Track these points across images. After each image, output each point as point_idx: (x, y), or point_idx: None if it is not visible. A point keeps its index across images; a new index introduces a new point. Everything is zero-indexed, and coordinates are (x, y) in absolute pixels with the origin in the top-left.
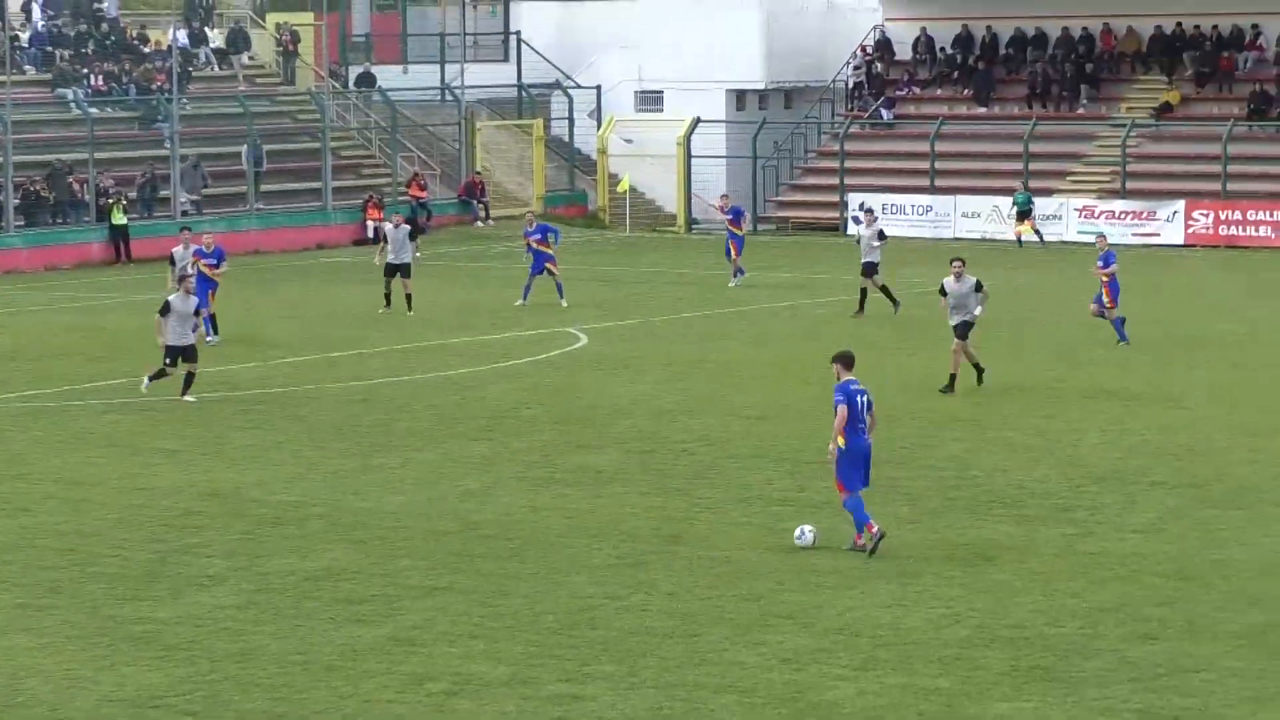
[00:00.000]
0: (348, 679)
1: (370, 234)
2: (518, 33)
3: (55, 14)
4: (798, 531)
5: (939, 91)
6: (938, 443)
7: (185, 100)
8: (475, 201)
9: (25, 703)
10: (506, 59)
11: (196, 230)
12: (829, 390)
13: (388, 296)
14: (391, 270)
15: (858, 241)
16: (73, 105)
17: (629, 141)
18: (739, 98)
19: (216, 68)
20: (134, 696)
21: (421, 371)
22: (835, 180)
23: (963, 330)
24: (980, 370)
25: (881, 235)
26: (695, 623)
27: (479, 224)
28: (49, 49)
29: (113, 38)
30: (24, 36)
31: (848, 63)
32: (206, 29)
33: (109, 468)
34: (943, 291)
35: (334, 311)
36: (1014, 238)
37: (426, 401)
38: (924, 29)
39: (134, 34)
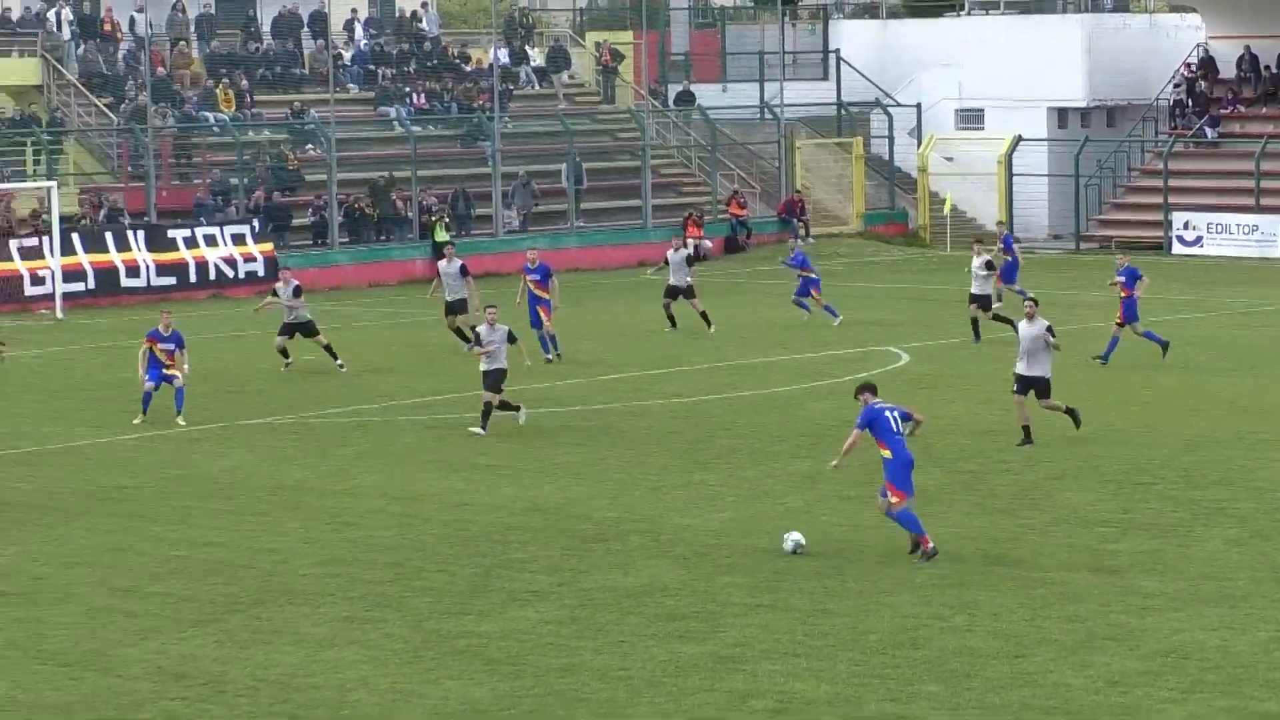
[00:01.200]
0: (670, 695)
1: (691, 251)
2: (837, 51)
3: (377, 33)
4: (786, 541)
5: (1264, 110)
6: (1265, 464)
7: (506, 118)
8: (795, 220)
9: (351, 715)
10: (826, 77)
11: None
12: (1153, 411)
13: (671, 318)
14: (672, 293)
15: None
16: (395, 123)
17: (949, 160)
18: (1060, 116)
19: (537, 86)
20: (458, 710)
21: (742, 389)
22: (1158, 199)
23: (1041, 388)
24: (1075, 415)
25: (989, 265)
26: (1019, 644)
27: (799, 242)
28: (371, 67)
29: (434, 57)
30: (347, 55)
31: (1170, 81)
32: (527, 48)
33: (433, 483)
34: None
35: (654, 328)
36: None
37: (747, 419)
38: (1247, 47)
39: (455, 53)
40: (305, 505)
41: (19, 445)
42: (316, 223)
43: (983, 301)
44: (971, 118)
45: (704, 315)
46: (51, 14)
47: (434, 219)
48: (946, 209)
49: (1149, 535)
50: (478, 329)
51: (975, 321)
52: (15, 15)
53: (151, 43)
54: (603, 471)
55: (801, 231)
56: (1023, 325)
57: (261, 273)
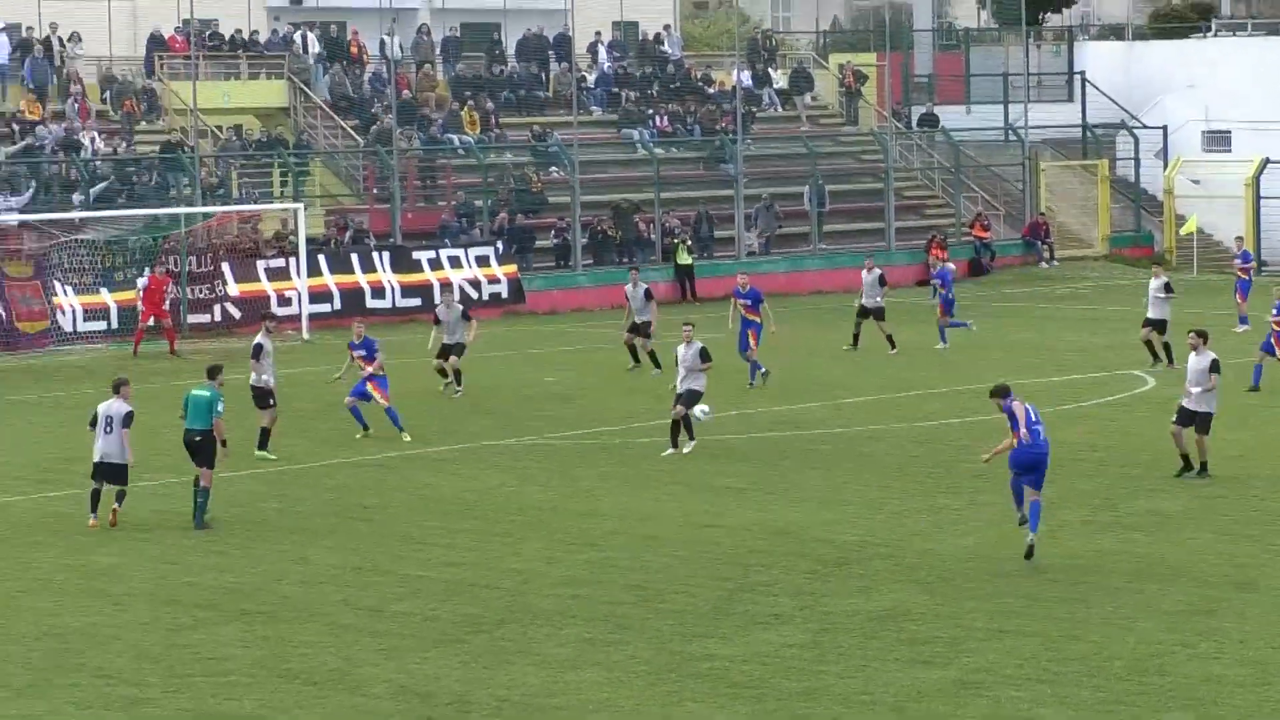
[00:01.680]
0: None
1: (932, 274)
2: (1082, 72)
3: (620, 56)
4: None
5: None
6: None
7: (749, 140)
8: (1039, 242)
9: None
10: (1070, 99)
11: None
12: None
13: (855, 338)
14: (863, 313)
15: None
16: (638, 146)
17: (1196, 182)
18: None
19: (779, 108)
20: None
21: (983, 413)
22: None
23: (1202, 423)
24: (1201, 468)
25: (1168, 288)
26: (1268, 671)
27: (1043, 265)
28: (615, 90)
29: (677, 79)
30: (590, 78)
31: None
32: (770, 70)
33: (675, 505)
34: None
35: (899, 352)
36: None
37: (989, 443)
38: None
39: (698, 75)
40: (548, 526)
41: (268, 465)
42: (559, 245)
43: (1158, 325)
44: (1218, 140)
45: (889, 338)
46: (298, 37)
47: (676, 241)
48: (1186, 230)
49: None
50: (676, 348)
51: (1150, 344)
52: (262, 38)
53: (398, 66)
54: (845, 495)
55: (1046, 254)
56: (1191, 358)
57: (505, 294)
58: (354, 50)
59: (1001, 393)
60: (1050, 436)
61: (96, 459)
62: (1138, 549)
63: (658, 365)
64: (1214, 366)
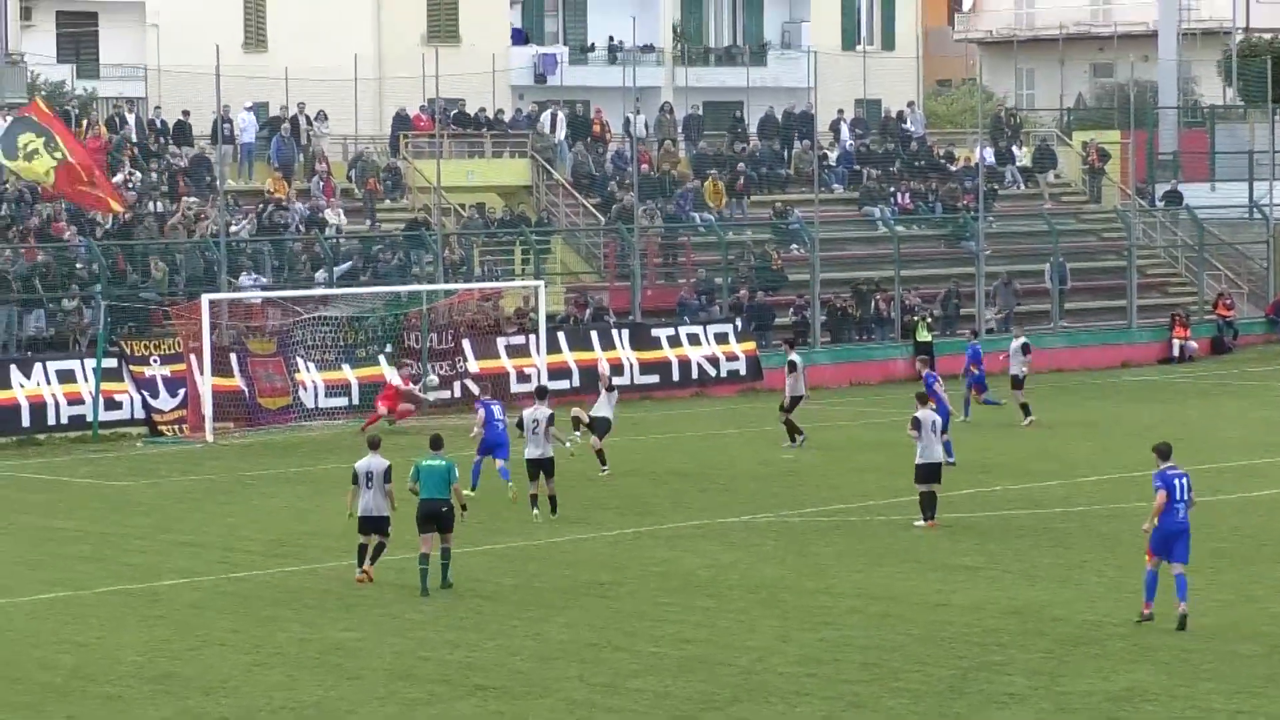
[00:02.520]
0: None
1: (1176, 353)
2: None
3: (863, 133)
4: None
5: None
6: None
7: (991, 218)
8: None
9: None
10: None
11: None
12: None
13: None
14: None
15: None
16: (879, 223)
17: None
18: None
19: (1022, 185)
20: None
21: (1225, 492)
22: None
23: None
24: None
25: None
26: None
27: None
28: (856, 168)
29: (920, 157)
30: (832, 155)
31: None
32: (1013, 147)
33: (910, 583)
34: None
35: (1138, 430)
36: None
37: (1229, 521)
38: None
39: (940, 152)
40: (782, 603)
41: (500, 540)
42: (798, 322)
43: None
44: None
45: (1024, 407)
46: (545, 116)
47: (917, 319)
48: None
49: None
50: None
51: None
52: (507, 116)
53: (640, 143)
54: (1083, 574)
55: None
56: None
57: (743, 371)
58: (596, 128)
59: (1161, 453)
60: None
61: (361, 514)
62: None
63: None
64: None
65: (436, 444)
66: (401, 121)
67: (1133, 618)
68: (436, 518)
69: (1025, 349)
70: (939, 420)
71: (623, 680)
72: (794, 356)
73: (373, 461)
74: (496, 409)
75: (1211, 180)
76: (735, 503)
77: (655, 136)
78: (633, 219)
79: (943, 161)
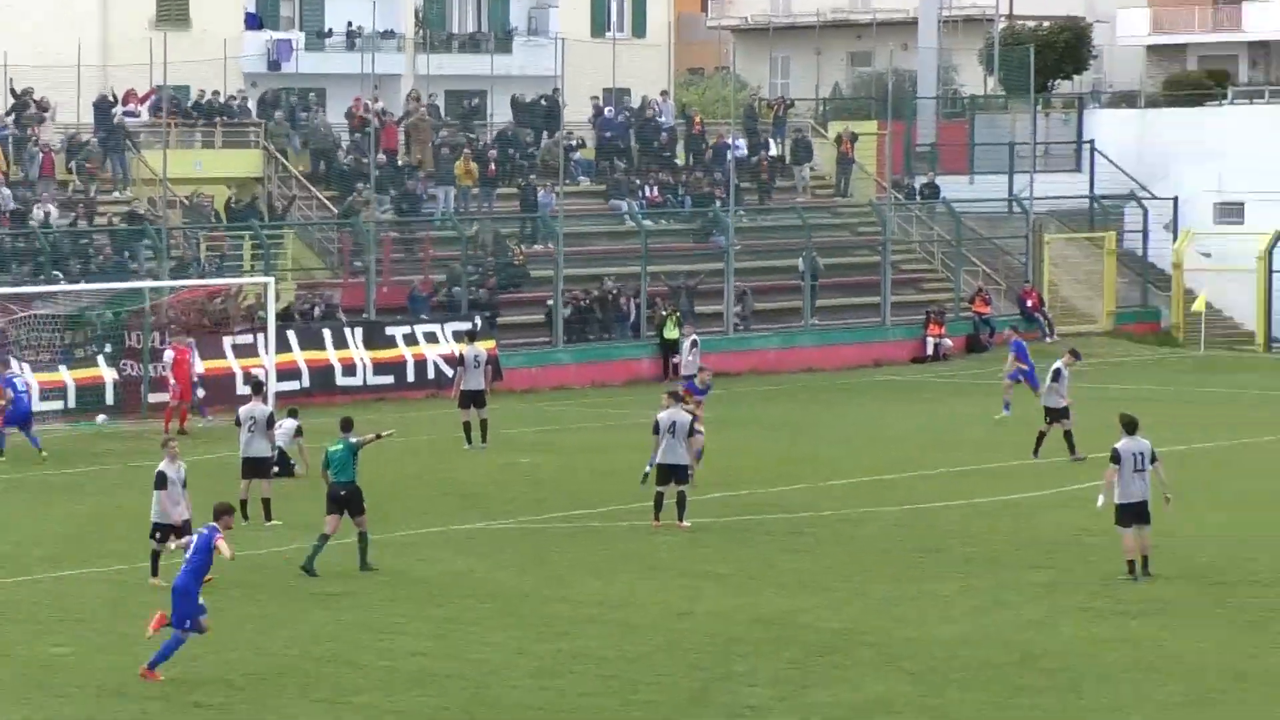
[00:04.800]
0: None
1: (930, 350)
2: (1091, 142)
3: (611, 124)
4: None
5: None
6: None
7: (741, 211)
8: (1041, 317)
9: None
10: (1078, 169)
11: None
12: None
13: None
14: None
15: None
16: (626, 218)
17: (1206, 255)
18: None
19: (777, 179)
20: None
21: (980, 495)
22: None
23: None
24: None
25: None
26: None
27: (1046, 340)
28: (603, 161)
29: (669, 149)
30: (578, 147)
31: None
32: (771, 139)
33: (653, 591)
34: None
35: (888, 432)
36: None
37: (982, 526)
38: None
39: (692, 144)
40: (519, 613)
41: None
42: (540, 320)
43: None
44: (1231, 212)
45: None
46: (276, 104)
47: (665, 314)
48: (1197, 307)
49: None
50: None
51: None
52: (237, 104)
53: (378, 134)
54: (830, 580)
55: (1046, 329)
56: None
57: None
58: (333, 118)
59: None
60: (1042, 520)
61: (155, 519)
62: (1135, 636)
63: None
64: (1151, 453)
65: (346, 426)
66: (122, 109)
67: (878, 625)
68: (340, 501)
69: (694, 345)
70: (681, 421)
71: (347, 696)
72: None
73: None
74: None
75: (970, 173)
76: (472, 509)
77: (396, 126)
78: (368, 211)
79: (694, 154)
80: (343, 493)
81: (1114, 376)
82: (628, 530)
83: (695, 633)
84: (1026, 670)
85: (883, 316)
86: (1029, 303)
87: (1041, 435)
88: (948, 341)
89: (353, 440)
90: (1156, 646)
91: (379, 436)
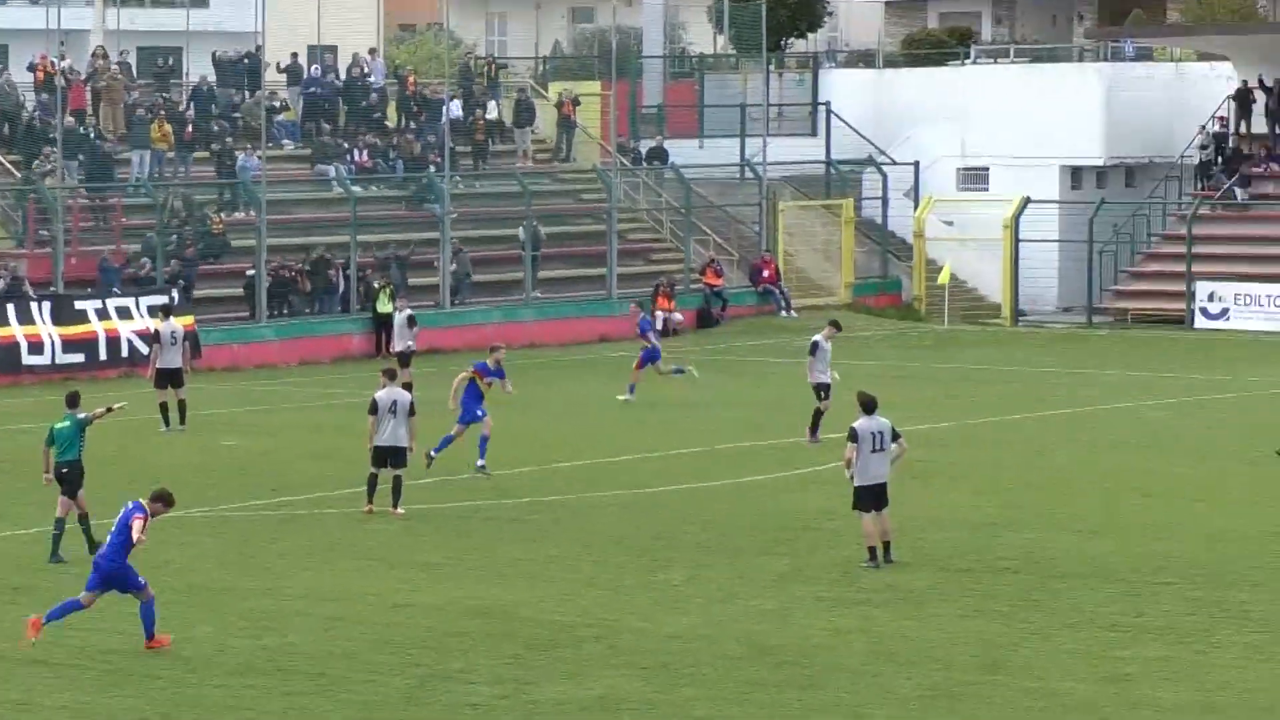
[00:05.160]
0: None
1: (660, 326)
2: (826, 103)
3: (317, 84)
4: None
5: None
6: None
7: (457, 177)
8: (777, 290)
9: None
10: (814, 133)
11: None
12: (1170, 503)
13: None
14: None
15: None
16: (334, 183)
17: (949, 224)
18: (1074, 175)
19: (497, 142)
20: None
21: (713, 478)
22: (1181, 267)
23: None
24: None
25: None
26: None
27: (782, 315)
28: (309, 123)
29: (379, 110)
30: (283, 109)
31: (1197, 137)
32: (489, 101)
33: (366, 582)
34: None
35: (616, 412)
36: None
37: (717, 511)
38: None
39: (403, 104)
40: (220, 607)
41: None
42: (241, 293)
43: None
44: (975, 177)
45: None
46: None
47: (379, 287)
48: (942, 279)
49: (1164, 641)
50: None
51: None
52: None
53: (65, 92)
54: (554, 570)
55: (783, 303)
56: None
57: None
58: (17, 77)
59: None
60: (780, 504)
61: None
62: (877, 627)
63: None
64: (892, 432)
65: (72, 402)
66: None
67: (607, 618)
68: (61, 479)
69: (411, 322)
70: (402, 401)
71: (39, 697)
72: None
73: None
74: None
75: (700, 136)
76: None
77: (84, 84)
78: (55, 176)
79: (406, 114)
80: (64, 470)
81: (853, 352)
82: (339, 518)
83: (411, 627)
84: (763, 664)
85: (609, 289)
86: (765, 273)
87: (819, 414)
88: (678, 316)
89: (81, 416)
90: (901, 637)
91: (110, 410)
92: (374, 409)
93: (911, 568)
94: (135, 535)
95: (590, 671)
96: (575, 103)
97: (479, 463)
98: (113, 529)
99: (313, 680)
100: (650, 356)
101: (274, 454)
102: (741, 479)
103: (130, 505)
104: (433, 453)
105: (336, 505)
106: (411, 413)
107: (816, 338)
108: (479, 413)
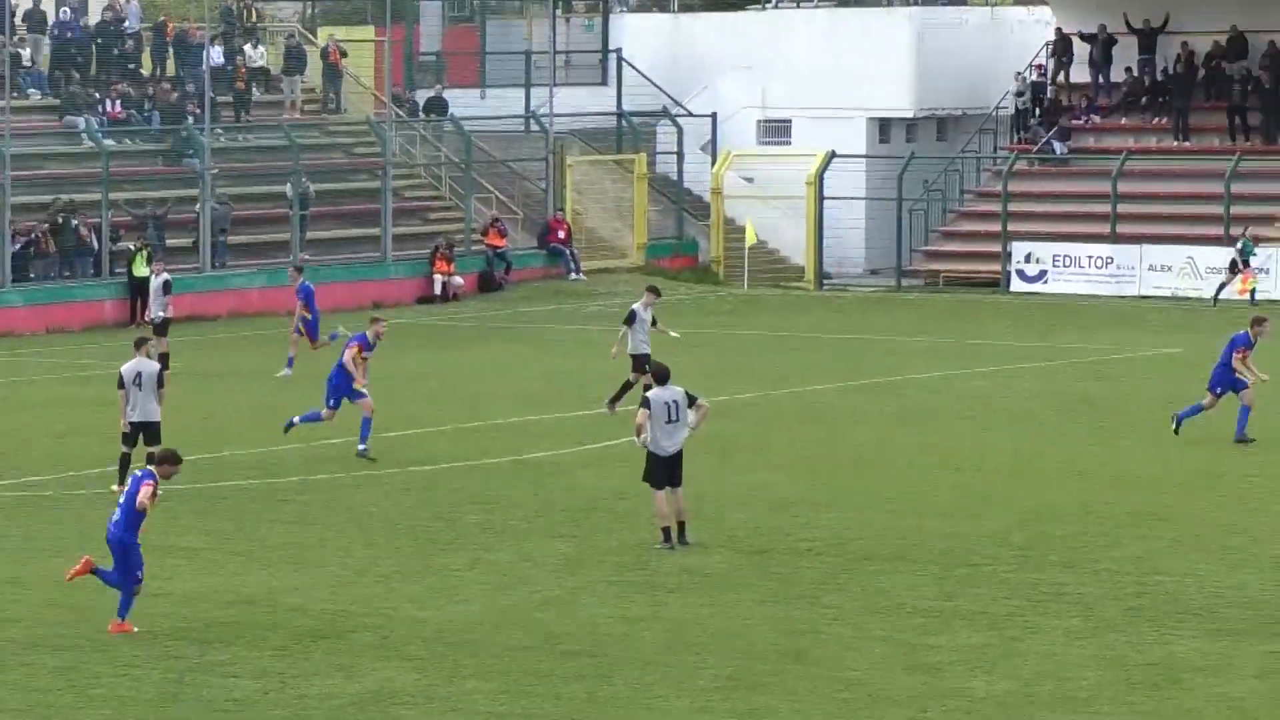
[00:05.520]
0: None
1: (438, 290)
2: (618, 51)
3: (66, 28)
4: None
5: (1123, 120)
6: (1115, 542)
7: (219, 130)
8: (567, 251)
9: None
10: (605, 82)
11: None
12: (983, 480)
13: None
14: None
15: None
16: (84, 136)
17: (749, 180)
18: (882, 128)
19: (262, 92)
20: None
21: (495, 455)
22: (997, 226)
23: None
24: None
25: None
26: None
27: (573, 277)
28: (58, 72)
29: (134, 58)
30: (27, 54)
31: (1013, 86)
32: (248, 47)
33: None
34: None
35: (393, 383)
36: (1236, 294)
37: (500, 491)
38: (1106, 44)
39: (159, 52)
40: None
41: None
42: None
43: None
44: (777, 130)
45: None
46: None
47: (135, 249)
48: (749, 240)
49: (976, 627)
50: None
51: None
52: None
53: None
54: (325, 555)
55: (573, 265)
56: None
57: None
58: None
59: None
60: (567, 483)
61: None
62: (672, 614)
63: None
64: (689, 400)
65: None
66: None
67: (382, 606)
68: None
69: (166, 287)
70: (148, 372)
71: None
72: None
73: None
74: None
75: (482, 86)
76: None
77: None
78: None
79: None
80: None
81: None
82: (89, 500)
83: (168, 617)
84: (550, 654)
85: (383, 251)
86: (561, 234)
87: (628, 385)
88: (458, 280)
89: None
90: (697, 624)
91: None
92: (121, 383)
93: (708, 550)
94: (139, 501)
95: (362, 664)
96: (342, 53)
97: (361, 447)
98: (121, 499)
99: (61, 675)
100: (311, 327)
101: (20, 431)
102: (525, 455)
103: (139, 473)
104: (296, 420)
105: (87, 487)
106: (160, 384)
107: (635, 306)
108: (354, 393)
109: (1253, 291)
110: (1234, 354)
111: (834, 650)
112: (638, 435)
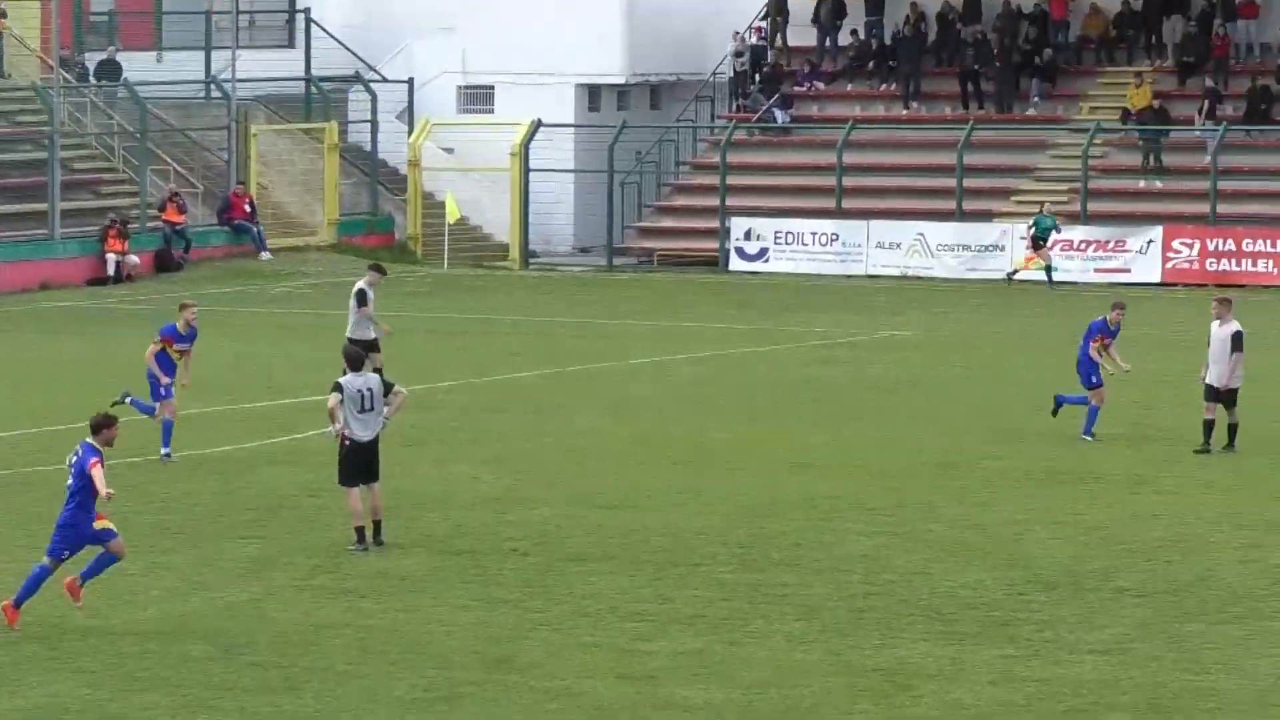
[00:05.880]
0: None
1: (111, 270)
2: (306, 10)
3: None
4: None
5: (849, 87)
6: (841, 538)
7: None
8: (253, 228)
9: None
10: (292, 44)
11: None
12: (702, 472)
13: None
14: None
15: None
16: None
17: (449, 151)
18: (591, 95)
19: None
20: None
21: (173, 449)
22: (715, 201)
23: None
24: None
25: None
26: None
27: (264, 256)
28: None
29: None
30: None
31: (731, 50)
32: None
33: None
34: None
35: (61, 372)
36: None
37: (179, 488)
38: (831, 5)
39: None
40: None
41: None
42: None
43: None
44: (479, 97)
45: None
46: None
47: None
48: (451, 217)
49: (693, 631)
50: None
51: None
52: None
53: None
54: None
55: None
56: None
57: None
58: None
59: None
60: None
61: None
62: (365, 620)
63: None
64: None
65: None
66: None
67: (47, 615)
68: None
69: None
70: None
71: None
72: None
73: None
74: None
75: (159, 48)
76: None
77: None
78: None
79: None
80: None
81: (335, 301)
82: None
83: None
84: (233, 664)
85: (51, 228)
86: (248, 208)
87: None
88: (133, 259)
89: None
90: (392, 631)
91: None
92: None
93: (405, 551)
94: (101, 489)
95: (27, 678)
96: (2, 13)
97: (164, 451)
98: (70, 477)
99: None
100: None
101: None
102: (206, 450)
103: (81, 449)
104: (126, 398)
105: None
106: None
107: (361, 284)
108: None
109: (1048, 269)
110: (1090, 343)
111: (540, 658)
112: (333, 422)
